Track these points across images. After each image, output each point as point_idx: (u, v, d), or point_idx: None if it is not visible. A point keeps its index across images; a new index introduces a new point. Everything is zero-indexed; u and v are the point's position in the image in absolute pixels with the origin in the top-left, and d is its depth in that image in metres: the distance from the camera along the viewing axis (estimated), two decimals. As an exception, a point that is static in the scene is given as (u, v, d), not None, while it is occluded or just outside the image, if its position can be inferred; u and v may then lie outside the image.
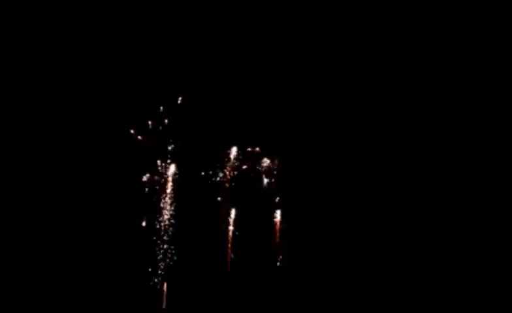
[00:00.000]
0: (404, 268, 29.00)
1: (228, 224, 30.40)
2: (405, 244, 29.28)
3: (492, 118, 30.32)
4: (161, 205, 30.35)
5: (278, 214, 30.53)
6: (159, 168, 30.56)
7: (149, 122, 30.73)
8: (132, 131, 30.47)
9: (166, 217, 30.22)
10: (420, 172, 30.33)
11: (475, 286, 28.10)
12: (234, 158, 31.14)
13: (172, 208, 30.42)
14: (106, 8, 30.12)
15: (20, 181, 29.31)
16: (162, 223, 30.20)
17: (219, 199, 30.69)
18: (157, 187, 30.32)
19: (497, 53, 30.56)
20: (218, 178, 30.78)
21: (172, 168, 30.57)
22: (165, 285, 29.64)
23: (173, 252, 29.97)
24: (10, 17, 29.62)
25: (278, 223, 30.51)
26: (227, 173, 30.89)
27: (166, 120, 30.76)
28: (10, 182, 29.20)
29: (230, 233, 30.34)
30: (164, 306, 29.50)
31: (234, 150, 31.21)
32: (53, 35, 30.04)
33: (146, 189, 30.33)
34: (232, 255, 30.04)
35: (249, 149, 31.18)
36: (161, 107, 30.68)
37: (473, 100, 30.57)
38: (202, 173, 30.76)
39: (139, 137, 30.38)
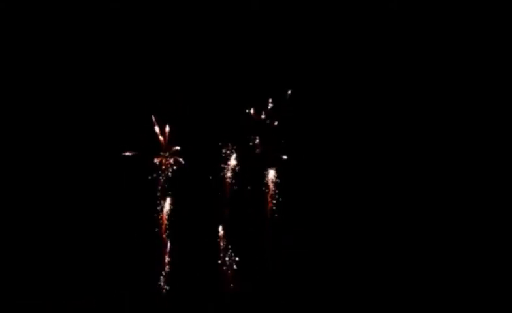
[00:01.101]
0: (402, 267, 29.12)
1: (228, 224, 30.48)
2: (403, 242, 29.42)
3: (492, 118, 30.40)
4: (161, 205, 30.39)
5: (277, 213, 30.67)
6: (158, 169, 30.60)
7: (150, 120, 30.77)
8: (131, 131, 30.50)
9: (165, 217, 30.26)
10: (418, 172, 30.45)
11: (475, 286, 28.17)
12: (233, 157, 31.21)
13: (172, 208, 30.46)
14: (106, 8, 30.14)
15: (20, 182, 29.33)
16: (161, 224, 30.24)
17: (218, 199, 30.79)
18: (157, 188, 30.35)
19: (497, 53, 30.62)
20: (217, 178, 30.84)
21: (171, 169, 30.61)
22: (165, 285, 29.68)
23: (173, 252, 30.02)
24: (10, 17, 29.65)
25: (277, 223, 30.64)
26: (226, 172, 30.96)
27: (165, 121, 30.80)
28: (10, 183, 29.23)
29: (230, 233, 30.41)
30: (164, 306, 29.53)
31: (233, 150, 31.29)
32: (53, 35, 30.06)
33: (146, 190, 30.35)
34: (232, 254, 30.16)
35: (248, 149, 31.30)
36: (160, 107, 30.75)
37: (473, 100, 30.64)
38: (201, 173, 30.82)
39: (138, 137, 30.42)
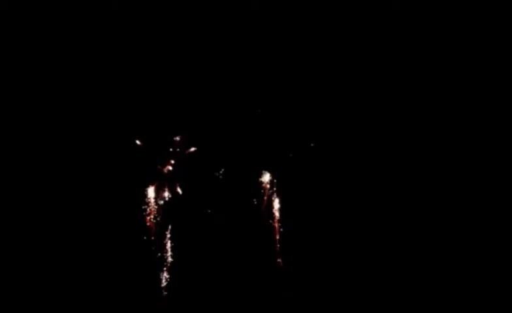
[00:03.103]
0: (403, 267, 29.07)
1: (227, 224, 30.49)
2: (404, 243, 29.38)
3: (492, 118, 30.37)
4: (161, 205, 30.44)
5: (277, 213, 30.65)
6: (158, 169, 30.66)
7: (148, 124, 30.86)
8: (130, 133, 30.58)
9: (166, 217, 30.31)
10: (419, 173, 30.42)
11: (475, 286, 28.09)
12: (233, 160, 31.25)
13: (172, 208, 30.50)
14: (106, 8, 30.24)
15: (20, 181, 29.40)
16: (162, 224, 30.28)
17: (218, 198, 30.81)
18: (157, 187, 30.41)
19: (498, 54, 30.61)
20: (217, 179, 30.88)
21: (171, 168, 30.67)
22: (165, 285, 29.71)
23: (173, 252, 30.05)
24: (10, 17, 29.77)
25: (277, 223, 30.61)
26: (226, 173, 30.99)
27: (165, 123, 30.87)
28: (10, 182, 29.31)
29: (230, 233, 30.43)
30: (164, 306, 29.55)
31: (233, 153, 31.32)
32: (53, 35, 30.18)
33: (146, 190, 30.40)
34: (232, 255, 30.16)
35: (248, 151, 31.31)
36: (159, 109, 30.82)
37: (474, 101, 30.63)
38: (201, 173, 30.87)
39: (137, 139, 30.50)
